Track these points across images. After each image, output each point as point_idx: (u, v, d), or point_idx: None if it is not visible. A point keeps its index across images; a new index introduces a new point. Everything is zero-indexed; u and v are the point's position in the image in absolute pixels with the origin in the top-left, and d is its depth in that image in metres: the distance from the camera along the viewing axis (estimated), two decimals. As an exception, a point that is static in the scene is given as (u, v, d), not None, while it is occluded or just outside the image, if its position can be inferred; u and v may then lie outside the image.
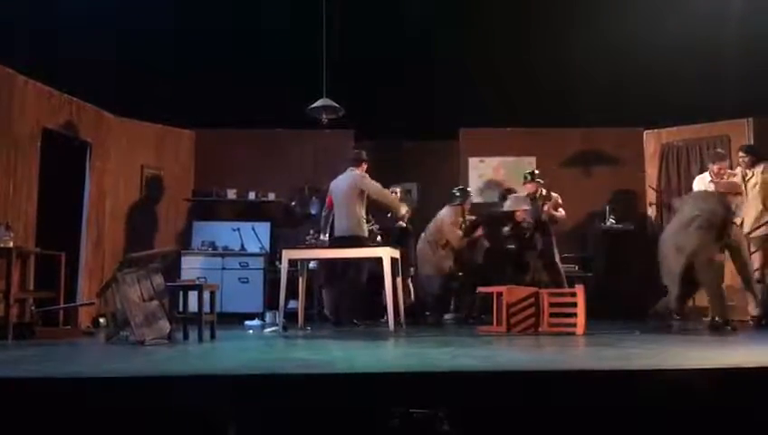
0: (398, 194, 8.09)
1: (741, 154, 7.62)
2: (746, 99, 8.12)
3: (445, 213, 8.24)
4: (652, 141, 9.58)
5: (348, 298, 7.28)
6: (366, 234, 7.13)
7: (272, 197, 9.59)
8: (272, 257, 9.03)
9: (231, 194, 9.57)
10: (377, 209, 7.62)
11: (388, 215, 7.99)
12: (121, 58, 7.42)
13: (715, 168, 6.85)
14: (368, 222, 7.32)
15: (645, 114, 9.00)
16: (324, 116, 7.44)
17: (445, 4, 7.26)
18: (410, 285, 8.30)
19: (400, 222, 8.27)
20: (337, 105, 7.19)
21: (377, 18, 7.29)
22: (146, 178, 9.21)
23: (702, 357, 3.91)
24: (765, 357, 4.05)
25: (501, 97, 8.65)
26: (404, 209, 7.62)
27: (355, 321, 7.33)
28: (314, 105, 7.24)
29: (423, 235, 8.32)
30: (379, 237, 7.79)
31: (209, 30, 7.34)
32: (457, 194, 8.26)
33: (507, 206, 8.11)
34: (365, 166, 7.28)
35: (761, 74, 7.85)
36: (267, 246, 9.26)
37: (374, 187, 7.09)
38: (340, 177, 7.26)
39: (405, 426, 2.02)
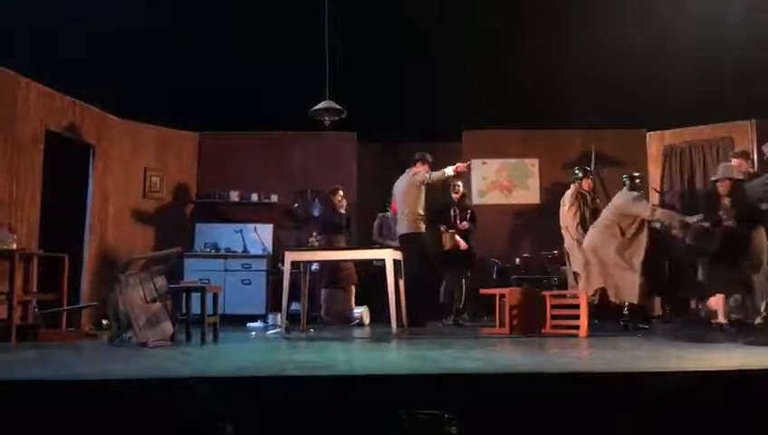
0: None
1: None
2: (749, 100, 8.12)
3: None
4: (655, 143, 9.58)
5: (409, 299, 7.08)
6: (423, 230, 7.36)
7: (274, 198, 9.61)
8: (274, 259, 9.04)
9: (233, 196, 9.58)
10: (438, 190, 7.89)
11: (450, 186, 8.16)
12: (123, 58, 7.44)
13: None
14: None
15: (647, 116, 9.00)
16: (327, 118, 7.44)
17: (447, 4, 7.26)
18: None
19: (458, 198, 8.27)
20: (339, 107, 7.19)
21: (379, 19, 7.28)
22: (149, 181, 9.23)
23: (699, 360, 3.91)
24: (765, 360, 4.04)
25: (503, 98, 8.65)
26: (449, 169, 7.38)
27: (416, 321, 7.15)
28: (317, 107, 7.24)
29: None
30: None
31: (211, 30, 7.34)
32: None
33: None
34: (422, 166, 7.52)
35: (763, 76, 7.84)
36: (270, 248, 9.27)
37: (422, 175, 7.38)
38: (398, 179, 7.65)
39: (412, 427, 2.02)
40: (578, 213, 7.33)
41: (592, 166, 8.71)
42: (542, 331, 6.30)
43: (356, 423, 2.62)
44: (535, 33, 7.74)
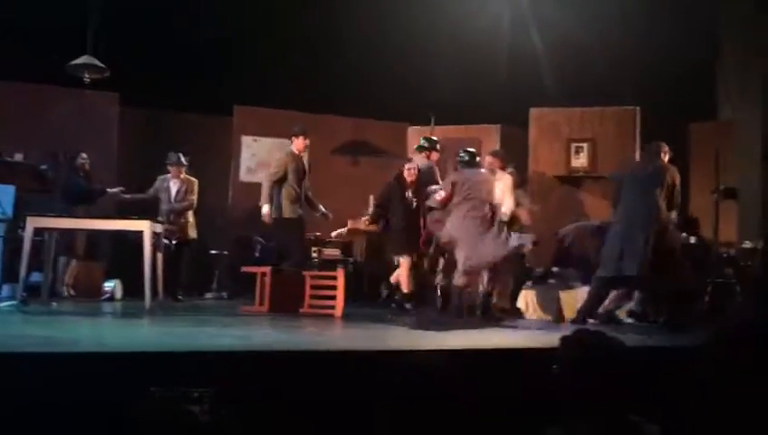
0: None
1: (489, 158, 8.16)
2: (499, 108, 9.00)
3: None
4: (416, 137, 10.20)
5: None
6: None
7: (18, 157, 8.63)
8: (14, 225, 8.13)
9: (-32, 151, 8.45)
10: None
11: None
12: None
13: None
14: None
15: (411, 111, 9.55)
16: (87, 75, 6.88)
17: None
18: None
19: None
20: (102, 65, 6.69)
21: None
22: None
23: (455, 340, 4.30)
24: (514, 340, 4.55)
25: (278, 78, 8.66)
26: None
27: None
28: (76, 62, 6.66)
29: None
30: None
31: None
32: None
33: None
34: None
35: (514, 86, 8.80)
36: (10, 212, 8.32)
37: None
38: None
39: (157, 406, 1.97)
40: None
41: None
42: (301, 310, 6.44)
43: (102, 403, 2.49)
44: (312, 16, 7.87)
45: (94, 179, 7.75)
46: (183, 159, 7.70)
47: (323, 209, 7.20)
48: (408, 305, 6.70)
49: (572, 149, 8.80)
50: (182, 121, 9.25)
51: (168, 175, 7.72)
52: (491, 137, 9.60)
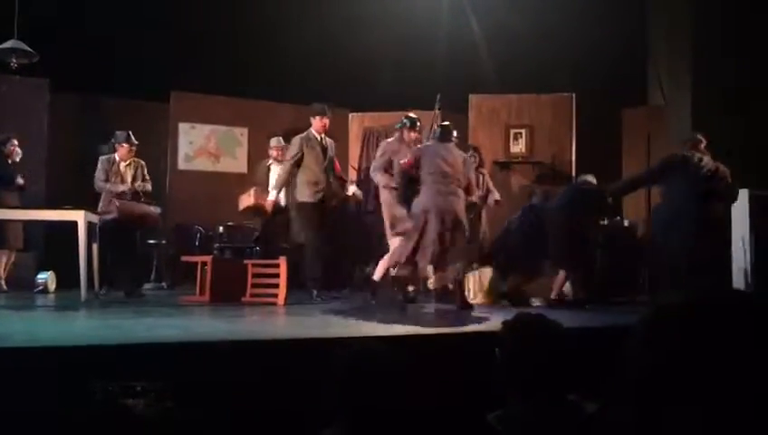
0: None
1: None
2: (444, 94, 9.05)
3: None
4: (356, 124, 10.20)
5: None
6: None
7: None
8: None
9: None
10: None
11: None
12: None
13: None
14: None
15: (352, 98, 9.54)
16: (14, 60, 6.60)
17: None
18: None
19: None
20: (30, 50, 6.43)
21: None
22: None
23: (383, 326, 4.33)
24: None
25: (216, 64, 8.50)
26: None
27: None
28: (2, 46, 6.39)
29: None
30: None
31: None
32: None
33: None
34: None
35: (454, 72, 8.87)
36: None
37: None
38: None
39: (97, 402, 1.93)
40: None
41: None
42: (243, 299, 6.38)
43: (39, 400, 2.42)
44: (251, 2, 7.75)
45: (19, 168, 7.40)
46: (132, 137, 7.09)
47: (354, 189, 7.35)
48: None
49: (511, 136, 8.96)
50: (116, 108, 8.98)
51: (115, 155, 7.03)
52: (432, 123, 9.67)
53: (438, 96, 6.78)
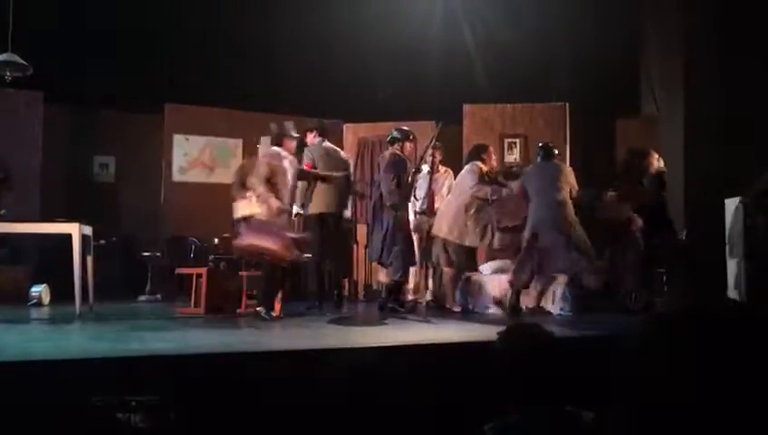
0: None
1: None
2: (438, 104, 9.08)
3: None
4: (351, 134, 10.20)
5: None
6: None
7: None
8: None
9: None
10: None
11: None
12: None
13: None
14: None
15: (346, 109, 9.55)
16: (8, 73, 6.59)
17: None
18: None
19: None
20: (24, 63, 6.43)
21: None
22: None
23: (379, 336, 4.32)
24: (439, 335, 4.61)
25: (211, 75, 8.51)
26: None
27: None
28: (-4, 59, 6.39)
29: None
30: None
31: None
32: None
33: None
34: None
35: (448, 82, 8.90)
36: None
37: None
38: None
39: (93, 417, 1.91)
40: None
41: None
42: (238, 311, 6.36)
43: (37, 415, 2.40)
44: (243, 14, 7.77)
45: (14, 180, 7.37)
46: None
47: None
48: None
49: (506, 145, 8.99)
50: (111, 120, 8.99)
51: None
52: (426, 133, 9.69)
53: (440, 123, 6.87)
